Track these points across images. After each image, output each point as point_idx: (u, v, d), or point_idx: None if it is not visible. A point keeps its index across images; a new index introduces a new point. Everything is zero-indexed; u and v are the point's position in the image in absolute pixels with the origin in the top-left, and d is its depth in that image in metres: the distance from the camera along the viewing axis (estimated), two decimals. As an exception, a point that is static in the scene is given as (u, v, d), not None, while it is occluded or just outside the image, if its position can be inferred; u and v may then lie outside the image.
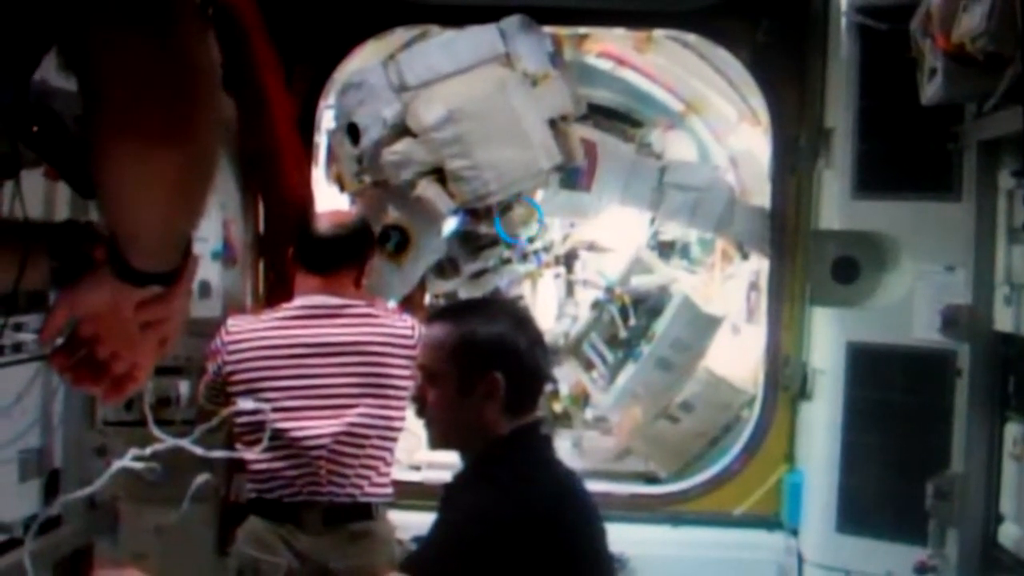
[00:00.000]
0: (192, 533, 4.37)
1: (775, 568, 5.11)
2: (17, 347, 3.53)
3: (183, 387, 4.50)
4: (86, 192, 3.25)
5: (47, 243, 1.71)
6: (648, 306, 6.51)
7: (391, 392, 4.11)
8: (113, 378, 1.75)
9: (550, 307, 7.21)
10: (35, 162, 2.99)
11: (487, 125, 4.98)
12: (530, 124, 5.06)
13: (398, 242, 5.38)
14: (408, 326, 4.20)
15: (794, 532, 5.14)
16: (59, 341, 1.72)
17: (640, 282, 6.63)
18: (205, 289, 4.54)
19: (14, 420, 3.60)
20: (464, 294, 6.30)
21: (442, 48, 5.25)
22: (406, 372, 4.06)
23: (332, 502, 4.03)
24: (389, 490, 4.18)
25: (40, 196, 3.56)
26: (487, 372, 2.81)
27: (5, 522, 3.60)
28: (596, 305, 6.85)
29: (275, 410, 4.02)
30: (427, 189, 5.02)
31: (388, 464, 4.17)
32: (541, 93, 5.16)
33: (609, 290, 6.73)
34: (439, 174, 5.00)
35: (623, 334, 6.52)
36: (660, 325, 6.19)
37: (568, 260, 7.33)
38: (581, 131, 5.63)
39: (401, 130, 5.07)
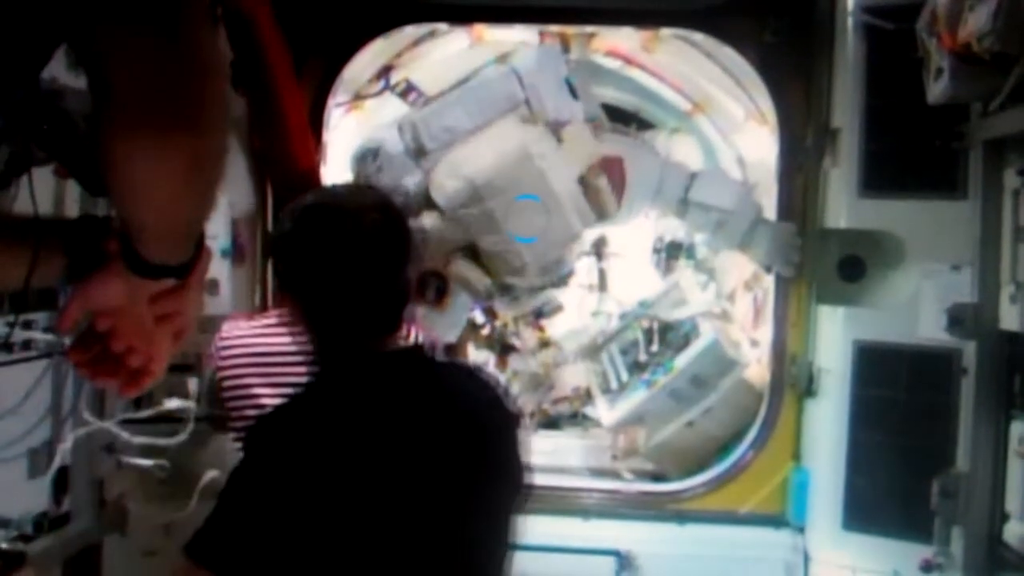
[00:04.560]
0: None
1: (781, 566, 5.12)
2: (27, 344, 3.55)
3: (192, 384, 4.51)
4: (95, 189, 3.27)
5: (63, 238, 1.72)
6: (674, 335, 6.55)
7: None
8: (129, 371, 1.76)
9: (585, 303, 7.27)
10: (45, 160, 3.02)
11: (516, 196, 4.95)
12: (560, 187, 4.98)
13: (438, 287, 5.34)
14: (401, 336, 4.18)
15: (800, 530, 5.14)
16: (66, 341, 1.74)
17: (674, 314, 6.65)
18: (214, 287, 4.55)
19: (23, 417, 3.61)
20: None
21: (458, 105, 5.16)
22: None
23: None
24: None
25: (50, 193, 3.57)
26: None
27: (15, 519, 3.62)
28: (624, 317, 6.88)
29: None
30: (463, 270, 4.97)
31: None
32: (568, 148, 5.06)
33: (638, 315, 6.76)
34: (471, 249, 4.95)
35: (643, 357, 6.54)
36: (682, 359, 6.22)
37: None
38: (607, 147, 5.55)
39: (425, 200, 5.01)
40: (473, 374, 2.74)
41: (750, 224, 5.60)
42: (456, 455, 2.49)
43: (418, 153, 5.03)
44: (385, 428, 2.44)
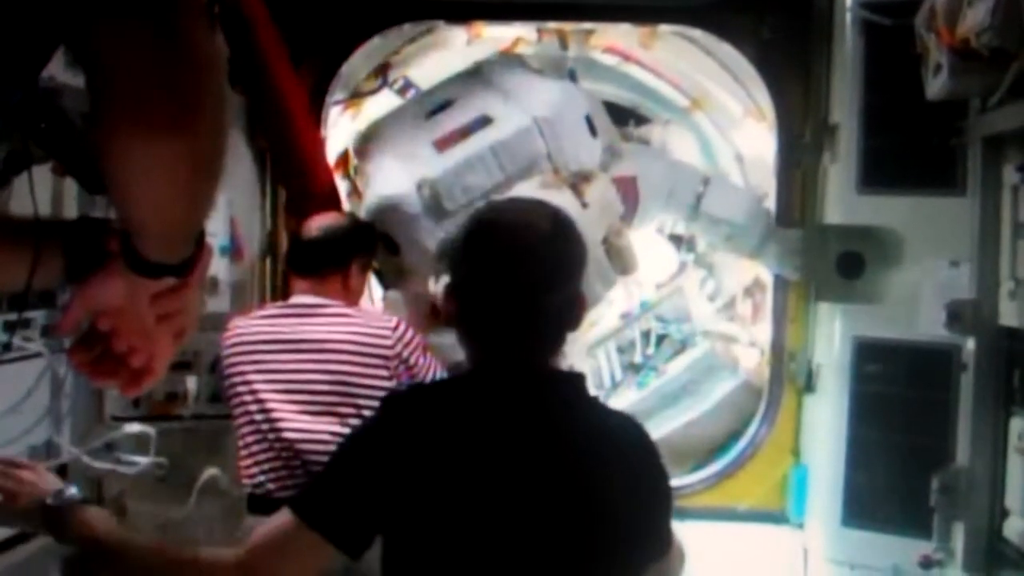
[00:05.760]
0: (200, 528, 4.38)
1: (781, 562, 5.12)
2: (25, 342, 3.54)
3: (190, 382, 4.52)
4: (93, 187, 3.27)
5: (62, 239, 1.72)
6: (671, 342, 6.54)
7: (356, 391, 4.10)
8: (131, 371, 1.76)
9: None
10: (43, 158, 3.02)
11: None
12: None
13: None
14: (387, 327, 4.17)
15: (800, 526, 5.15)
16: (66, 342, 1.73)
17: (675, 331, 6.63)
18: (213, 284, 4.56)
19: (22, 415, 3.61)
20: None
21: (478, 163, 5.00)
22: (377, 371, 4.09)
23: None
24: None
25: (48, 192, 3.57)
26: None
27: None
28: (624, 317, 6.86)
29: (253, 402, 4.11)
30: None
31: None
32: (592, 210, 4.93)
33: (639, 314, 6.73)
34: None
35: (638, 359, 6.53)
36: (676, 366, 6.22)
37: None
38: (621, 167, 5.44)
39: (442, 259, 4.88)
40: (631, 427, 2.58)
41: (761, 237, 5.50)
42: (580, 497, 2.39)
43: (437, 213, 4.90)
44: (516, 447, 2.38)
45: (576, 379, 2.57)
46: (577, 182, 4.95)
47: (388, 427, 2.45)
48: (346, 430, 4.04)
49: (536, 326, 2.46)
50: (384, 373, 4.07)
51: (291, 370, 4.14)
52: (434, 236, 4.89)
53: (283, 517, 2.37)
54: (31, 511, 2.48)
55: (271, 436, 4.08)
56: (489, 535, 2.34)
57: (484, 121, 5.08)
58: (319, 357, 4.13)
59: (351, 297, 4.35)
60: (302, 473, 4.03)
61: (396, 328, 4.16)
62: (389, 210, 4.96)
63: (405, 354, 4.14)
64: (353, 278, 4.36)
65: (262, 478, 4.09)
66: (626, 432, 2.54)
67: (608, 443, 2.46)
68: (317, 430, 4.05)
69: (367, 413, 4.06)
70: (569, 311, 2.50)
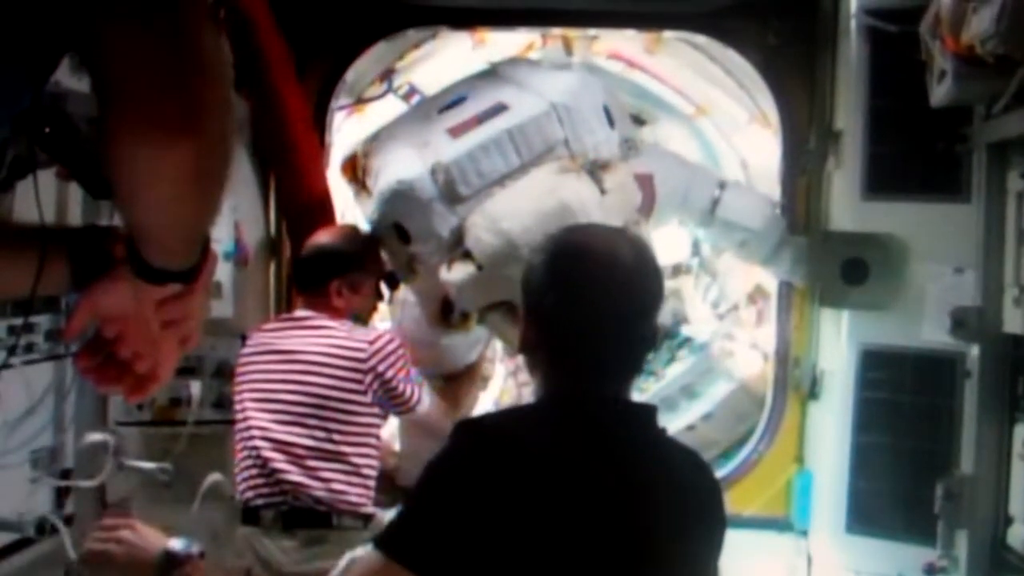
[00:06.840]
0: (204, 533, 4.38)
1: (784, 569, 5.11)
2: (29, 347, 3.55)
3: (194, 387, 4.53)
4: (97, 192, 3.28)
5: (68, 246, 1.72)
6: (671, 343, 6.54)
7: (325, 403, 4.12)
8: (136, 377, 1.76)
9: None
10: (48, 163, 3.02)
11: None
12: None
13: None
14: (365, 341, 4.20)
15: (804, 533, 5.13)
16: (73, 347, 1.74)
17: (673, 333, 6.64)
18: (217, 290, 4.56)
19: (26, 420, 3.61)
20: None
21: (493, 147, 4.81)
22: (349, 385, 4.12)
23: (292, 506, 4.04)
24: (356, 499, 4.13)
25: (52, 196, 3.58)
26: None
27: (17, 521, 3.61)
28: None
29: (241, 410, 4.21)
30: (501, 328, 4.79)
31: (351, 473, 4.13)
32: (611, 199, 4.77)
33: None
34: (508, 305, 4.62)
35: None
36: (675, 369, 6.22)
37: None
38: (637, 164, 5.22)
39: (459, 244, 4.75)
40: (695, 462, 2.61)
41: (774, 246, 5.40)
42: (643, 529, 2.38)
43: (452, 198, 4.71)
44: (594, 479, 2.36)
45: (649, 411, 2.57)
46: (595, 170, 4.88)
47: (468, 456, 2.38)
48: (310, 441, 4.06)
49: (620, 357, 2.47)
50: (357, 387, 4.10)
51: (268, 379, 4.18)
52: (447, 222, 4.73)
53: (371, 556, 2.30)
54: (132, 566, 2.55)
55: (249, 444, 4.12)
56: (561, 561, 2.31)
57: (500, 108, 4.99)
58: (293, 368, 4.16)
59: (337, 315, 4.34)
60: (273, 482, 4.04)
61: (374, 342, 4.18)
62: (401, 195, 4.76)
63: (380, 368, 4.15)
64: (336, 298, 4.36)
65: (243, 486, 4.12)
66: (691, 467, 2.57)
67: (673, 477, 2.48)
68: (284, 440, 4.07)
69: (332, 426, 4.09)
70: (650, 341, 2.51)
